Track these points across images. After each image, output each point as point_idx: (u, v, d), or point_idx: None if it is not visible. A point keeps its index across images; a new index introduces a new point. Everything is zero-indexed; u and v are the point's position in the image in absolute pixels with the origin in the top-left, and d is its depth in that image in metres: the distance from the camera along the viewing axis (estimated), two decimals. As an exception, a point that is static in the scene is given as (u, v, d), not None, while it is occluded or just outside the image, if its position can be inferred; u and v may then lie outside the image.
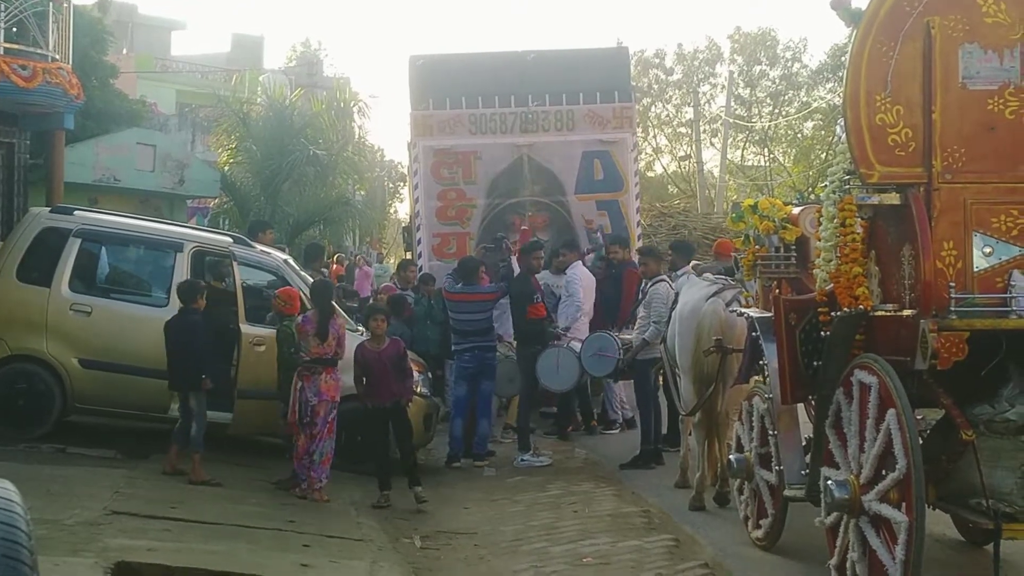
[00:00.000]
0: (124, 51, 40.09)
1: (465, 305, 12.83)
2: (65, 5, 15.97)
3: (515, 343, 13.52)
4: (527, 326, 13.00)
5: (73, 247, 12.02)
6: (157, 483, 10.23)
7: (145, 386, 11.61)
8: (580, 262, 14.57)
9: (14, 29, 15.35)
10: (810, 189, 38.45)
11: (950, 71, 7.00)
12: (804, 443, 8.46)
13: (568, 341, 13.26)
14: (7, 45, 14.98)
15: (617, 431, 14.53)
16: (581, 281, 14.11)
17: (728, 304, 10.00)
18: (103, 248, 12.60)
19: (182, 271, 11.93)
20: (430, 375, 12.97)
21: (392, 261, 33.54)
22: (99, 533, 7.98)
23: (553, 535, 9.59)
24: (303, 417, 10.66)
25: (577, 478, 11.94)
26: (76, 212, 12.65)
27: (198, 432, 10.67)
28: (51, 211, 12.76)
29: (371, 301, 16.24)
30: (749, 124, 45.66)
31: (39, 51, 15.22)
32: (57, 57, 15.49)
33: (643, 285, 12.83)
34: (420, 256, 16.76)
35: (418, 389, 12.18)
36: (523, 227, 16.34)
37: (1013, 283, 6.79)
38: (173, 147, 24.62)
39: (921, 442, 6.69)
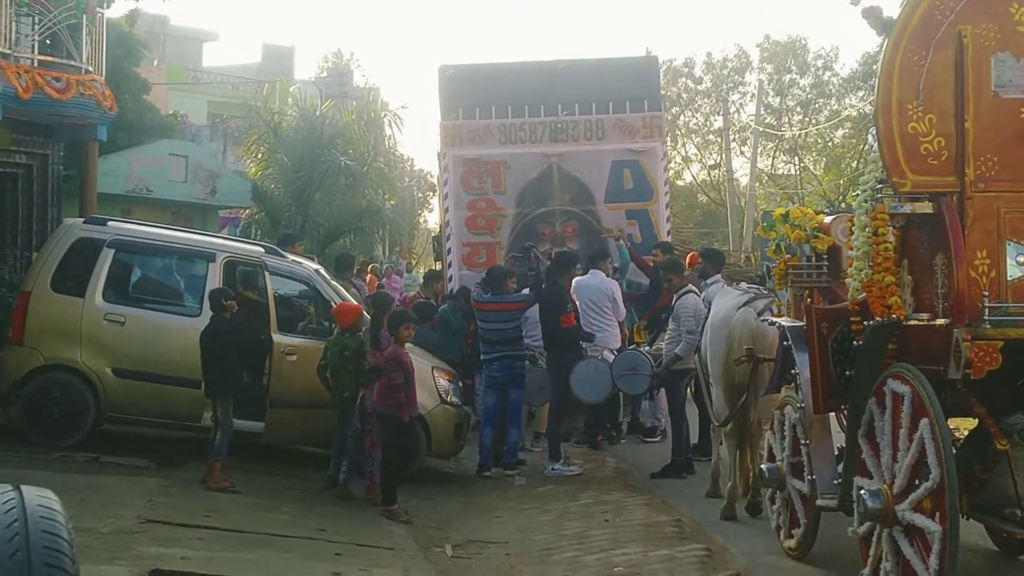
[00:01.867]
0: (156, 62, 40.37)
1: (493, 314, 12.84)
2: (98, 17, 16.09)
3: (544, 352, 13.46)
4: (559, 334, 12.96)
5: (107, 257, 12.10)
6: (190, 492, 10.28)
7: (178, 395, 11.69)
8: (595, 271, 14.31)
9: (48, 41, 15.47)
10: (841, 198, 38.35)
11: (982, 79, 6.98)
12: (836, 452, 8.42)
13: (602, 352, 13.22)
14: (41, 57, 15.10)
15: (658, 439, 14.47)
16: (583, 290, 13.86)
17: (760, 313, 9.96)
18: (136, 258, 12.72)
19: (214, 281, 12.00)
20: (460, 384, 12.99)
21: (421, 270, 33.60)
22: (133, 541, 8.03)
23: (584, 544, 9.58)
24: (365, 424, 10.96)
25: (608, 487, 11.92)
26: (109, 223, 12.73)
27: (221, 440, 10.74)
28: (85, 222, 12.84)
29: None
30: (779, 133, 45.54)
31: (72, 63, 15.32)
32: (90, 69, 15.59)
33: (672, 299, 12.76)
34: (450, 266, 16.79)
35: (449, 398, 12.27)
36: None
37: (1047, 292, 6.76)
38: (205, 158, 24.75)
39: (954, 452, 6.66)
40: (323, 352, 11.35)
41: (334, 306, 11.98)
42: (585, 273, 13.96)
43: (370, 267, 24.56)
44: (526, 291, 13.19)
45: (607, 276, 14.19)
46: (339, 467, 11.22)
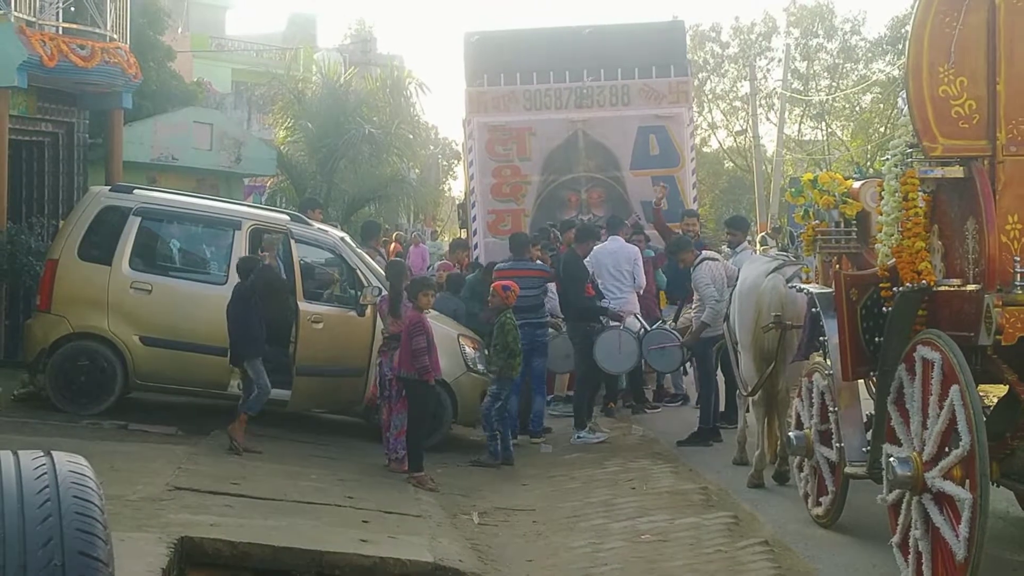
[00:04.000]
0: (180, 30, 40.32)
1: (515, 280, 12.73)
2: (122, -16, 16.09)
3: (565, 321, 13.39)
4: (583, 304, 12.91)
5: (133, 225, 12.11)
6: (218, 459, 10.31)
7: (205, 363, 11.73)
8: (614, 237, 14.27)
9: (72, 9, 15.48)
10: (869, 163, 38.10)
11: (1015, 41, 6.87)
12: (865, 420, 8.38)
13: (624, 320, 13.17)
14: (65, 24, 15.11)
15: (679, 404, 14.49)
16: (604, 256, 13.87)
17: (789, 280, 9.90)
18: (162, 226, 12.73)
19: (240, 249, 12.01)
20: (486, 352, 12.98)
21: (446, 239, 33.58)
22: (162, 508, 8.06)
23: (611, 512, 9.59)
24: (383, 391, 11.07)
25: (634, 455, 11.93)
26: (136, 191, 12.74)
27: (256, 398, 10.78)
28: (111, 190, 12.87)
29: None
30: (806, 98, 45.23)
31: (97, 30, 15.33)
32: (115, 36, 15.60)
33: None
34: (475, 233, 16.75)
35: (475, 366, 12.28)
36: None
37: (1079, 257, 6.67)
38: (229, 126, 24.69)
39: (985, 419, 6.60)
40: (513, 329, 11.73)
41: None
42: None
43: (395, 235, 24.57)
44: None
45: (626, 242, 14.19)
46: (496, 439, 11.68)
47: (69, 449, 4.18)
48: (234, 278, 11.38)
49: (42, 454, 3.81)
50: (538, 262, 13.21)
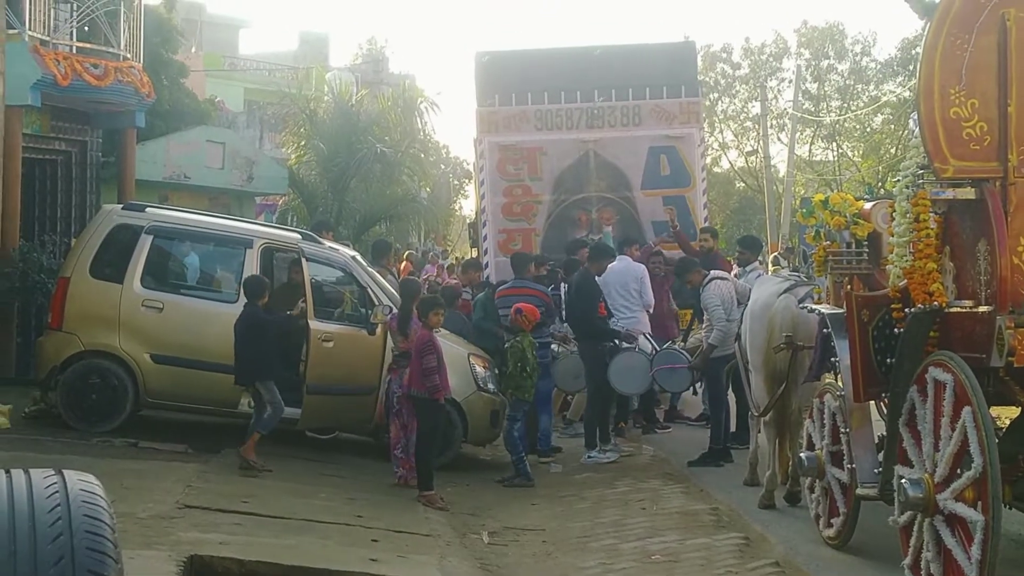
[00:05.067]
0: (193, 49, 40.50)
1: (514, 299, 12.68)
2: (136, 4, 16.18)
3: (575, 340, 13.37)
4: (596, 324, 12.86)
5: (145, 244, 12.14)
6: (228, 477, 10.31)
7: (216, 381, 11.71)
8: (623, 256, 14.24)
9: (86, 28, 15.58)
10: (880, 184, 38.08)
11: (1027, 63, 6.88)
12: (876, 441, 8.36)
13: (636, 341, 13.11)
14: (79, 44, 15.21)
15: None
16: (612, 275, 13.84)
17: (801, 300, 9.88)
18: (174, 245, 12.77)
19: (252, 267, 12.03)
20: (496, 371, 12.97)
21: (457, 257, 33.64)
22: (172, 526, 8.06)
23: (621, 532, 9.56)
24: (391, 408, 11.07)
25: (645, 475, 11.90)
26: (148, 209, 12.77)
27: (270, 417, 10.78)
28: (123, 208, 12.89)
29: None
30: (817, 119, 45.25)
31: (111, 50, 15.44)
32: (128, 56, 15.69)
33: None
34: (486, 252, 16.77)
35: (485, 385, 12.27)
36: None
37: (1091, 279, 6.67)
38: (242, 145, 24.79)
39: (997, 440, 6.58)
40: (517, 354, 11.75)
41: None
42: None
43: (406, 254, 24.61)
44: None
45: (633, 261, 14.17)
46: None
47: (80, 467, 4.19)
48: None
49: (53, 472, 3.81)
50: (550, 287, 13.24)
